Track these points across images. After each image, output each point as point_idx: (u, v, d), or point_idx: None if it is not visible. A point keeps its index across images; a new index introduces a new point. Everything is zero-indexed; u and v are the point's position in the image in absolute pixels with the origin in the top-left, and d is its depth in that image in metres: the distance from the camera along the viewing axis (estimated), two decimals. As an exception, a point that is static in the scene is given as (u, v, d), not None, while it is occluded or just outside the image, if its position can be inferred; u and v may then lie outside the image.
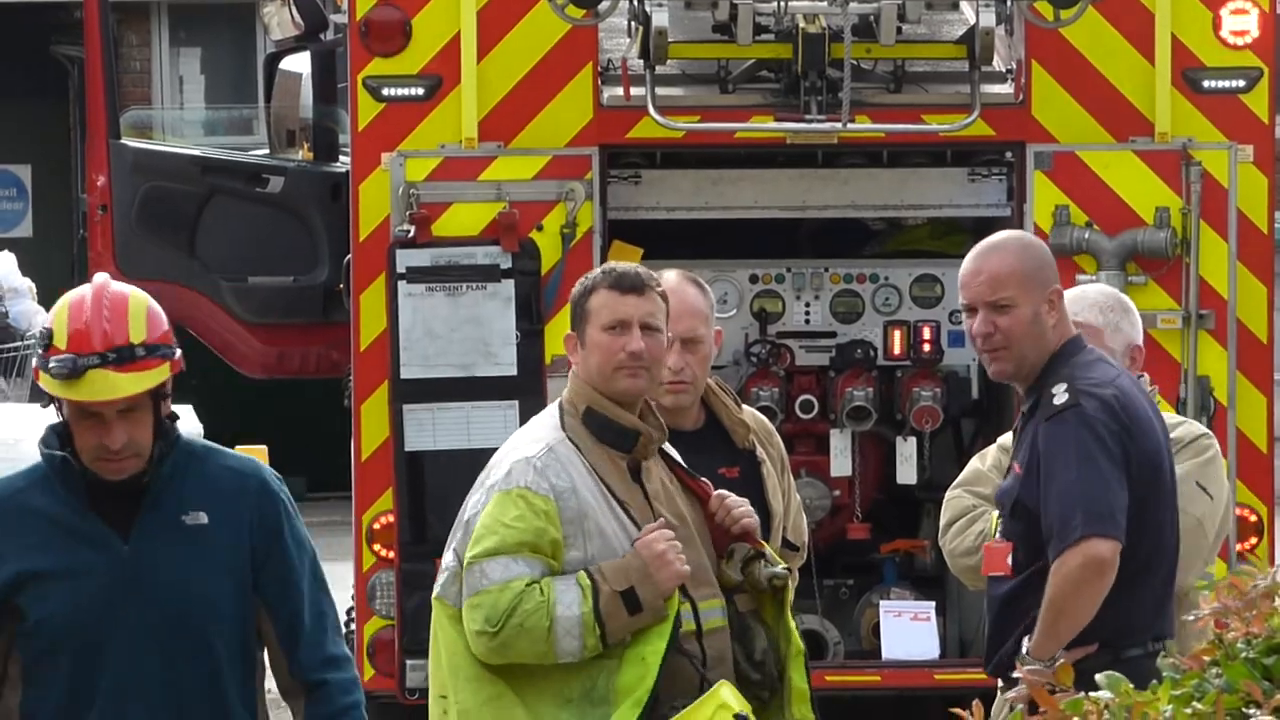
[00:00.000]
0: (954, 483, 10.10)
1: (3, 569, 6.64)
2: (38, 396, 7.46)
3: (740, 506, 8.53)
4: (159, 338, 6.63)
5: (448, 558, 8.58)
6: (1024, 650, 8.84)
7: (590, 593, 8.32)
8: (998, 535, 9.21)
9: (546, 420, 8.72)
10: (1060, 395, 8.81)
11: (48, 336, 6.50)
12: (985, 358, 9.20)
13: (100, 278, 6.98)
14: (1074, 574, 8.80)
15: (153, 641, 6.61)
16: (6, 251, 28.24)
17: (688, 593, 8.29)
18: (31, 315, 26.77)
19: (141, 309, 6.69)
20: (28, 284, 27.97)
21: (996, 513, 9.39)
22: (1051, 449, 8.86)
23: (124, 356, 6.52)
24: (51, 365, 6.37)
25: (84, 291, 6.77)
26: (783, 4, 13.29)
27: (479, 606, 8.42)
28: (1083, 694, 4.86)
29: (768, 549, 8.59)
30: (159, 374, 6.56)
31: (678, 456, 8.70)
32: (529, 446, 8.50)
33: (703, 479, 8.65)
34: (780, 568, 8.58)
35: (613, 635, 8.30)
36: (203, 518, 6.71)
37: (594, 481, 8.41)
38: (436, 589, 8.63)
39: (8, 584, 6.59)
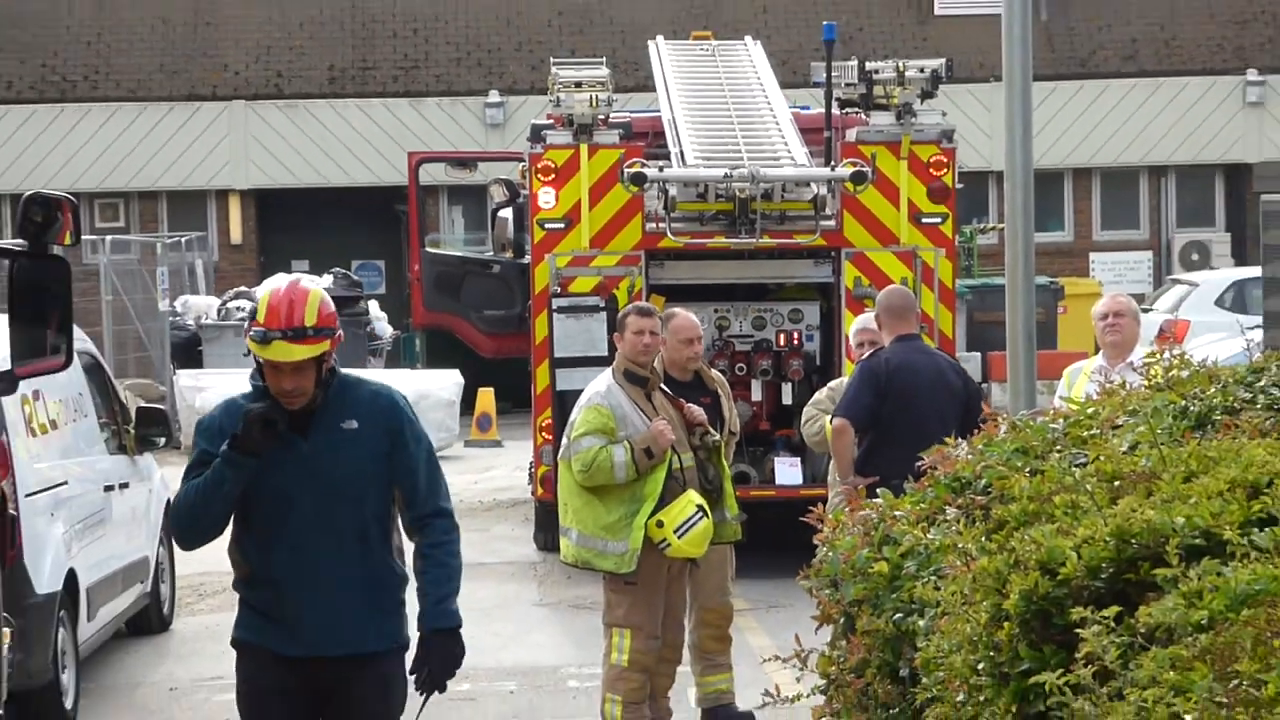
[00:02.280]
0: (808, 403, 15.41)
1: None
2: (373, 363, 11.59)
3: (696, 412, 12.64)
4: (324, 322, 7.86)
5: (564, 440, 12.68)
6: (832, 476, 13.77)
7: (629, 451, 12.07)
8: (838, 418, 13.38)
9: (606, 375, 12.73)
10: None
11: (253, 313, 7.93)
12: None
13: (294, 275, 8.89)
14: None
15: (326, 503, 7.97)
16: (373, 301, 34.64)
17: (675, 450, 12.25)
18: (384, 328, 35.09)
19: (315, 302, 7.92)
20: (381, 313, 34.84)
21: (828, 416, 13.81)
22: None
23: (298, 334, 7.76)
24: (252, 332, 7.78)
25: (280, 283, 8.13)
26: (728, 184, 19.14)
27: (578, 458, 12.24)
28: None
29: (712, 431, 12.68)
30: (321, 347, 7.84)
31: (668, 390, 12.65)
32: (599, 385, 12.57)
33: (682, 400, 12.67)
34: (713, 438, 12.67)
35: (641, 469, 12.08)
36: (354, 423, 8.05)
37: (628, 401, 12.33)
38: (560, 454, 12.73)
39: None
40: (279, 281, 8.16)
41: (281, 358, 7.84)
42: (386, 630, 8.20)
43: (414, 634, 8.33)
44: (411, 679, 8.16)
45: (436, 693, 8.09)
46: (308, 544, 8.02)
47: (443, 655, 8.10)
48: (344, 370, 8.31)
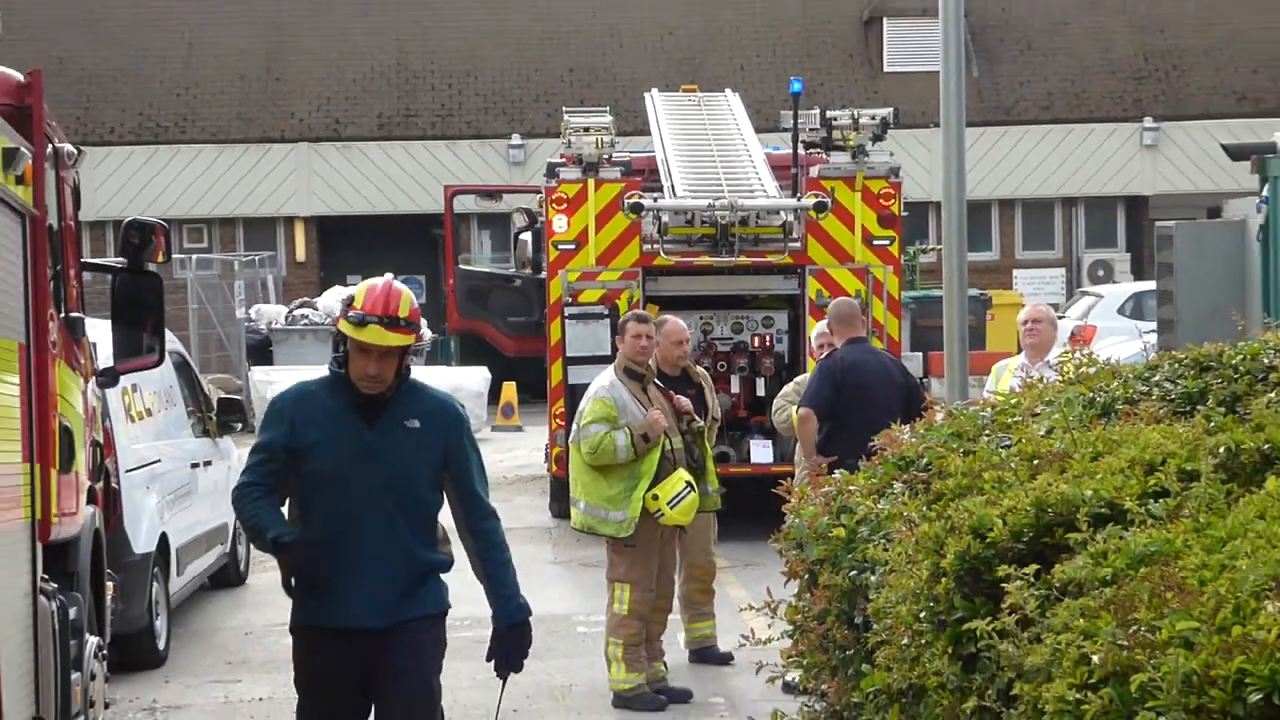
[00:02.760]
0: (777, 395, 15.36)
1: (301, 433, 7.56)
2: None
3: (684, 402, 12.63)
4: (413, 317, 7.45)
5: (574, 426, 12.63)
6: (798, 456, 13.57)
7: (629, 435, 12.01)
8: (803, 408, 13.17)
9: (609, 371, 12.67)
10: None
11: (350, 300, 7.49)
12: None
13: (389, 276, 8.28)
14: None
15: (379, 488, 7.48)
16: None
17: (667, 434, 12.21)
18: (425, 337, 31.76)
19: (408, 300, 7.49)
20: (424, 325, 34.52)
21: (795, 407, 13.60)
22: (812, 375, 13.76)
23: (391, 323, 7.34)
24: (350, 315, 7.36)
25: (379, 281, 7.64)
26: (711, 212, 19.15)
27: (586, 442, 12.20)
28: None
29: (697, 419, 12.66)
30: (409, 339, 7.44)
31: (661, 384, 12.60)
32: (603, 380, 12.51)
33: (672, 392, 12.64)
34: (698, 424, 12.64)
35: (639, 451, 12.04)
36: (416, 423, 7.56)
37: (627, 393, 12.26)
38: (571, 437, 12.69)
39: (304, 443, 7.54)
40: (378, 279, 7.77)
41: (374, 340, 7.39)
42: (424, 599, 7.73)
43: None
44: (490, 664, 7.84)
45: (512, 673, 7.83)
46: (358, 524, 7.57)
47: (517, 644, 7.82)
48: (414, 376, 7.85)
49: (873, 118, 20.67)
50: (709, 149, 21.60)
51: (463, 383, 28.92)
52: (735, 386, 19.69)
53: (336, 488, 7.57)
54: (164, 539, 14.25)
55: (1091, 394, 6.80)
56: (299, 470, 7.61)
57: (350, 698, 7.65)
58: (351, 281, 35.41)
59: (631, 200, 19.46)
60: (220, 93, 44.21)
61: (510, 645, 7.77)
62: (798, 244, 19.80)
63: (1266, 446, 5.05)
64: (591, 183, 19.92)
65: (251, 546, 17.50)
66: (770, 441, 18.95)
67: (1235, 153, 21.28)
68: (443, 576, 7.82)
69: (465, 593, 8.18)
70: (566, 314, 19.73)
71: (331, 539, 7.56)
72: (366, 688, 7.64)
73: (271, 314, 35.25)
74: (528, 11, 45.08)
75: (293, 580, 7.63)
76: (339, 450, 7.54)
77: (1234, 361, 6.69)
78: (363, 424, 7.55)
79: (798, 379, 15.37)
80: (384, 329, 7.33)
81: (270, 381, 29.80)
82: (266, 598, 16.45)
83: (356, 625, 7.52)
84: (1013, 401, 7.21)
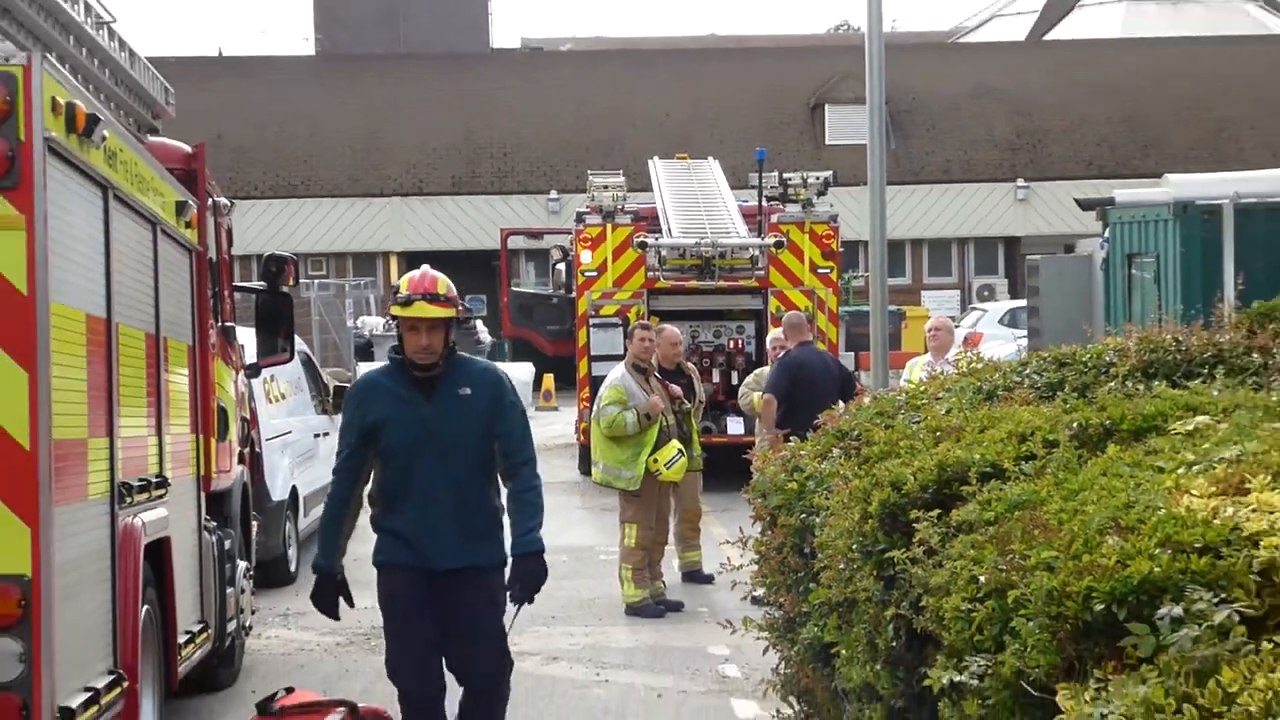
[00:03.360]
0: (742, 384, 15.40)
1: (370, 415, 6.91)
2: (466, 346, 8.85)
3: (676, 389, 12.52)
4: (450, 294, 6.83)
5: (595, 407, 12.59)
6: (759, 429, 13.49)
7: (636, 414, 11.97)
8: (765, 394, 12.95)
9: (620, 366, 12.56)
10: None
11: (398, 288, 6.92)
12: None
13: (425, 266, 7.17)
14: (761, 404, 13.18)
15: (442, 452, 6.82)
16: (479, 320, 32.11)
17: (664, 414, 12.16)
18: (485, 336, 32.57)
19: (445, 281, 6.90)
20: (485, 331, 33.03)
21: (758, 393, 13.60)
22: (772, 369, 13.35)
23: (433, 298, 6.75)
24: (397, 298, 6.83)
25: (417, 271, 7.06)
26: (698, 248, 19.29)
27: (604, 419, 12.14)
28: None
29: (686, 402, 12.57)
30: (449, 311, 6.77)
31: (659, 376, 12.50)
32: (616, 373, 12.43)
33: (668, 382, 12.57)
34: (687, 406, 12.55)
35: (643, 426, 12.02)
36: (468, 391, 6.88)
37: (634, 383, 12.16)
38: (593, 415, 12.61)
39: (372, 422, 6.88)
40: (416, 270, 7.13)
41: (420, 314, 6.74)
42: (487, 550, 6.98)
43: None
44: (507, 594, 7.04)
45: (526, 604, 7.03)
46: (433, 483, 6.85)
47: (530, 575, 6.93)
48: (460, 352, 7.13)
49: (817, 178, 20.73)
50: (696, 201, 21.55)
51: (514, 375, 27.68)
52: (715, 378, 19.61)
53: (410, 455, 6.88)
54: (294, 490, 14.28)
55: (979, 383, 6.77)
56: (376, 445, 6.93)
57: (424, 623, 6.93)
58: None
59: (639, 239, 19.47)
60: (335, 160, 44.16)
61: (524, 575, 6.95)
62: (762, 272, 19.73)
63: (1108, 422, 5.02)
64: (609, 226, 19.83)
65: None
66: (741, 418, 18.66)
67: (1084, 205, 21.29)
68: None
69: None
70: (591, 324, 19.77)
71: (410, 500, 6.90)
72: (438, 618, 6.95)
73: (372, 324, 35.08)
74: (561, 101, 45.20)
75: (314, 599, 7.18)
76: (407, 424, 6.87)
77: (1084, 360, 6.67)
78: (422, 399, 6.89)
79: (755, 372, 15.26)
80: (427, 303, 6.74)
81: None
82: (368, 534, 16.42)
83: (427, 566, 6.87)
84: (921, 389, 7.18)
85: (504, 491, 7.11)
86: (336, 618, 7.19)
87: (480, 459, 6.99)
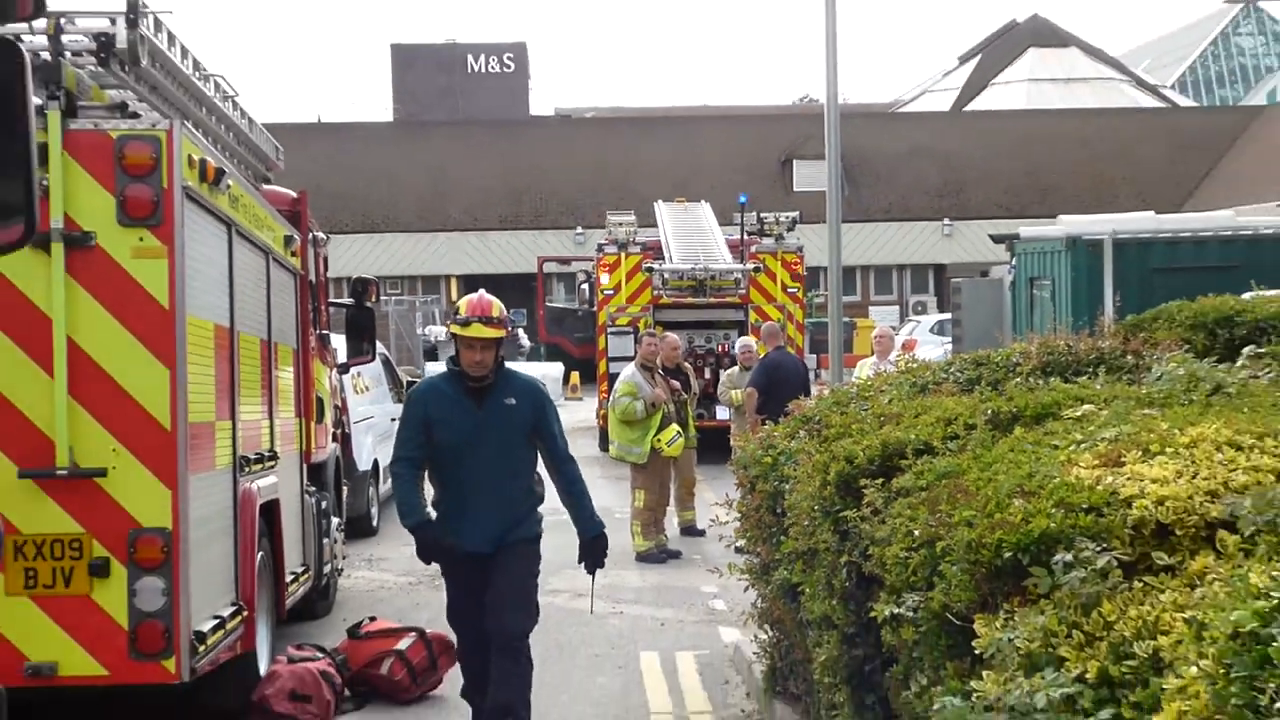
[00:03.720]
0: (721, 380, 15.24)
1: (429, 412, 6.28)
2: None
3: (675, 384, 12.35)
4: (502, 316, 6.29)
5: (611, 397, 12.41)
6: (734, 418, 13.99)
7: (644, 403, 11.92)
8: (746, 389, 12.83)
9: (631, 365, 12.50)
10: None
11: (456, 309, 6.41)
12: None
13: (482, 291, 6.62)
14: (745, 395, 13.02)
15: (491, 454, 6.22)
16: (521, 329, 31.64)
17: (665, 404, 12.04)
18: (525, 341, 31.88)
19: (498, 305, 6.33)
20: (526, 337, 32.57)
21: (735, 390, 13.62)
22: (754, 368, 13.15)
23: (487, 320, 6.18)
24: (457, 319, 6.30)
25: (475, 294, 6.43)
26: (693, 272, 18.99)
27: (618, 407, 12.07)
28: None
29: (684, 394, 12.44)
30: (501, 332, 6.21)
31: (662, 373, 12.26)
32: (628, 371, 12.33)
33: (669, 378, 12.35)
34: (684, 397, 12.42)
35: (649, 413, 11.95)
36: (512, 400, 6.28)
37: (642, 379, 12.05)
38: (610, 404, 12.43)
39: (431, 419, 6.24)
40: (473, 294, 6.49)
41: (477, 334, 6.18)
42: (525, 529, 6.37)
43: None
44: (581, 566, 6.54)
45: (599, 570, 6.56)
46: (478, 477, 6.26)
47: (598, 550, 6.44)
48: (508, 364, 6.53)
49: (787, 217, 20.59)
50: (692, 235, 21.36)
51: (548, 371, 27.84)
52: (706, 375, 19.08)
53: (459, 452, 6.27)
54: (375, 462, 14.11)
55: (914, 380, 6.69)
56: (433, 441, 6.31)
57: (474, 597, 6.33)
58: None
59: (646, 265, 19.23)
60: (408, 203, 43.99)
61: (591, 551, 6.46)
62: (744, 291, 19.46)
63: (1015, 409, 4.95)
64: (623, 255, 19.50)
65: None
66: (728, 408, 18.65)
67: (996, 239, 21.41)
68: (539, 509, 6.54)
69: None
70: (608, 332, 19.46)
71: (460, 491, 6.29)
72: (479, 586, 6.35)
73: (436, 332, 34.64)
74: (585, 156, 45.06)
75: (420, 554, 6.49)
76: (460, 426, 6.26)
77: (996, 361, 6.60)
78: (474, 405, 6.28)
79: (725, 373, 15.10)
80: (483, 325, 6.19)
81: (435, 371, 29.70)
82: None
83: (474, 550, 6.28)
84: (868, 384, 7.11)
85: (545, 479, 6.51)
86: (449, 561, 6.42)
87: (522, 457, 6.39)
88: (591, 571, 6.58)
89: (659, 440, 11.91)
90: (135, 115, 6.27)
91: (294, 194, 9.59)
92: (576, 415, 25.99)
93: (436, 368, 31.15)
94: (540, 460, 6.49)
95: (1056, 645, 2.72)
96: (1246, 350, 5.78)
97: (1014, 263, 18.71)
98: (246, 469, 7.08)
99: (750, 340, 14.67)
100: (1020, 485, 3.54)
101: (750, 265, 19.33)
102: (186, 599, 5.97)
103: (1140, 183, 44.02)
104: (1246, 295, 7.94)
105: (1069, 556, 3.01)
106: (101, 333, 5.94)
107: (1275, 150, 42.49)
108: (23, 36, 5.70)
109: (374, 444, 14.13)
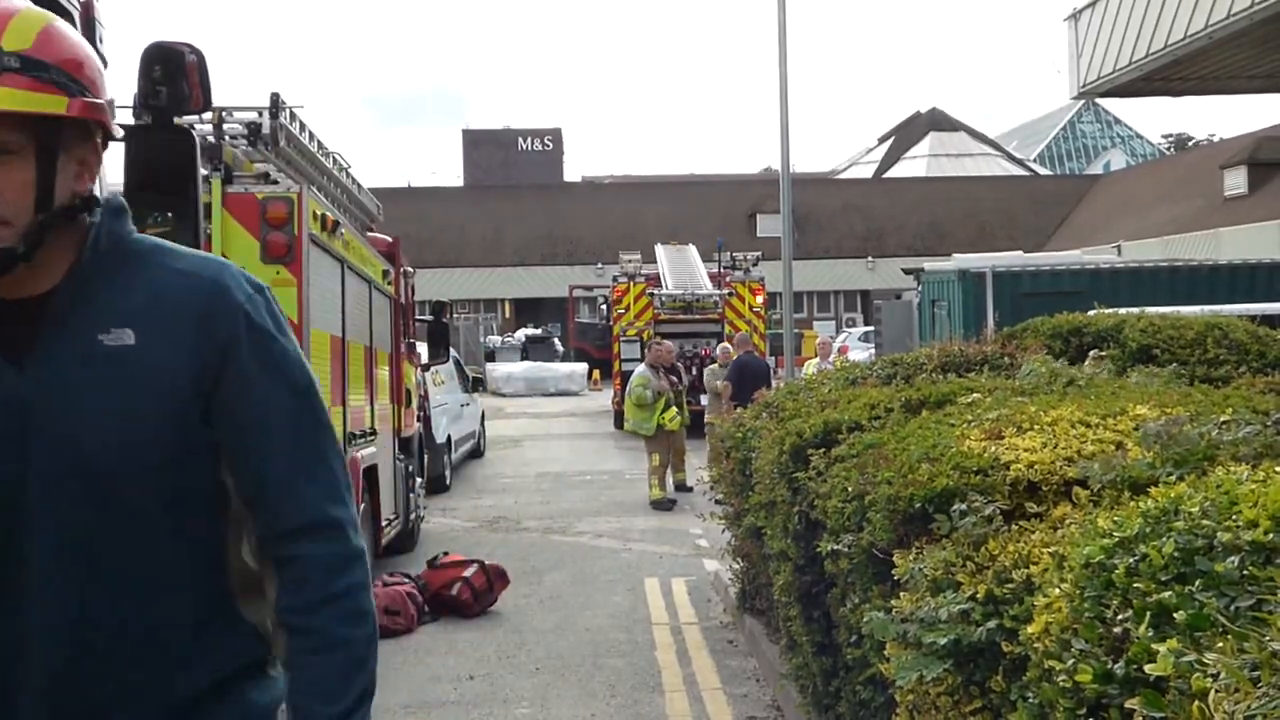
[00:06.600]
0: (704, 375, 14.43)
1: None
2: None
3: (673, 378, 12.02)
4: (57, 61, 1.22)
5: (626, 388, 12.09)
6: (710, 404, 13.66)
7: (652, 391, 11.58)
8: (723, 382, 12.43)
9: (643, 365, 12.12)
10: (734, 359, 13.09)
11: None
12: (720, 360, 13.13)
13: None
14: (722, 387, 12.65)
15: (56, 501, 1.22)
16: (555, 338, 31.24)
17: (666, 392, 11.76)
18: (559, 348, 31.02)
19: (36, 25, 1.23)
20: (559, 342, 31.94)
21: (719, 381, 12.90)
22: (729, 367, 12.45)
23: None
24: None
25: None
26: (684, 296, 18.58)
27: (633, 395, 11.68)
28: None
29: (679, 384, 12.13)
30: (37, 101, 1.19)
31: (664, 370, 11.99)
32: (640, 369, 11.99)
33: (668, 374, 12.03)
34: (679, 388, 12.04)
35: (655, 400, 11.62)
36: (128, 336, 1.27)
37: (651, 374, 11.74)
38: (626, 392, 12.08)
39: None
40: None
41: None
42: None
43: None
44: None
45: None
46: (26, 582, 1.26)
47: None
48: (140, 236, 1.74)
49: (753, 256, 20.22)
50: (682, 269, 21.04)
51: (575, 369, 27.63)
52: (693, 372, 18.26)
53: None
54: (449, 437, 13.92)
55: (847, 375, 6.62)
56: None
57: None
58: (528, 325, 36.92)
59: (648, 291, 18.94)
60: (473, 246, 43.68)
61: None
62: (721, 310, 19.13)
63: (922, 397, 4.89)
64: (631, 284, 19.17)
65: (486, 441, 16.86)
66: (711, 395, 18.45)
67: (907, 272, 20.61)
68: None
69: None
70: (621, 341, 19.08)
71: None
72: None
73: (495, 340, 34.26)
74: (605, 211, 44.85)
75: None
76: None
77: (907, 361, 6.52)
78: (1, 358, 1.36)
79: (708, 369, 14.76)
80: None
81: (495, 372, 28.94)
82: (496, 467, 15.69)
83: None
84: (813, 379, 7.02)
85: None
86: None
87: (169, 506, 1.38)
88: None
89: (664, 418, 11.74)
90: (275, 182, 6.23)
91: (390, 239, 9.60)
92: (596, 402, 25.74)
93: (496, 367, 29.40)
94: (244, 536, 1.53)
95: (955, 573, 2.67)
96: (1092, 353, 5.76)
97: (920, 289, 18.54)
98: (354, 442, 6.97)
99: (726, 346, 14.59)
100: (927, 453, 3.51)
101: (725, 291, 19.06)
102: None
103: (1012, 230, 44.32)
104: (1090, 313, 7.86)
105: (963, 506, 2.98)
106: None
107: (1108, 207, 42.97)
108: (195, 125, 5.75)
109: (448, 424, 13.80)
